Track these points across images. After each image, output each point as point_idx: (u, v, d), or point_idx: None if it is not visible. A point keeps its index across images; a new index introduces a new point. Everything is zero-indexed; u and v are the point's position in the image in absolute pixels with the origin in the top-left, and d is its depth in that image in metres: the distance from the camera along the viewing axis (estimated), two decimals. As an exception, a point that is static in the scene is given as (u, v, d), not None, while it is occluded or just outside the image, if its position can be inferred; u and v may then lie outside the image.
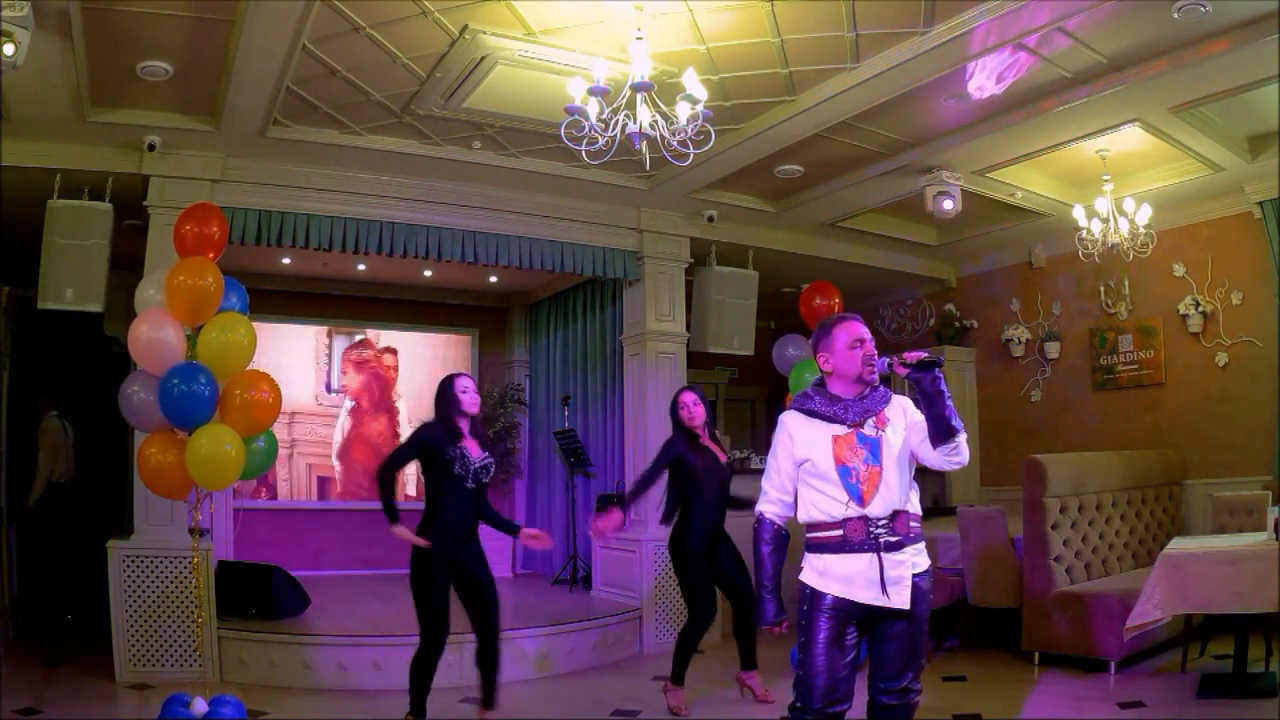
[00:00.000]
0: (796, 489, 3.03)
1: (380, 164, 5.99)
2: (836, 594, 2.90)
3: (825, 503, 2.94)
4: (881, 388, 3.04)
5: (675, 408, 5.09)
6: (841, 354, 3.00)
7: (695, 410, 5.04)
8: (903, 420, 3.00)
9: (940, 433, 2.90)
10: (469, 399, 4.40)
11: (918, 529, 3.00)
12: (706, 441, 5.09)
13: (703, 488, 4.99)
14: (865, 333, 3.02)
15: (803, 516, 3.01)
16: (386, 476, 4.36)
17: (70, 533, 7.21)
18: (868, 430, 2.95)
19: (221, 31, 4.30)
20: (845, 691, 2.91)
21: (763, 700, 5.06)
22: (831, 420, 2.97)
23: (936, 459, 2.95)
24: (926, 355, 2.87)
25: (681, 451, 5.00)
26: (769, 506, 3.06)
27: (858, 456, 2.92)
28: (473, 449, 4.39)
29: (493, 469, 4.47)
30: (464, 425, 4.39)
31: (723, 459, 5.14)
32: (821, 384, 3.08)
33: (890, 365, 2.92)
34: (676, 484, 5.08)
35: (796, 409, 3.06)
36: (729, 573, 5.07)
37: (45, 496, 7.04)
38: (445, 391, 4.44)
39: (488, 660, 4.38)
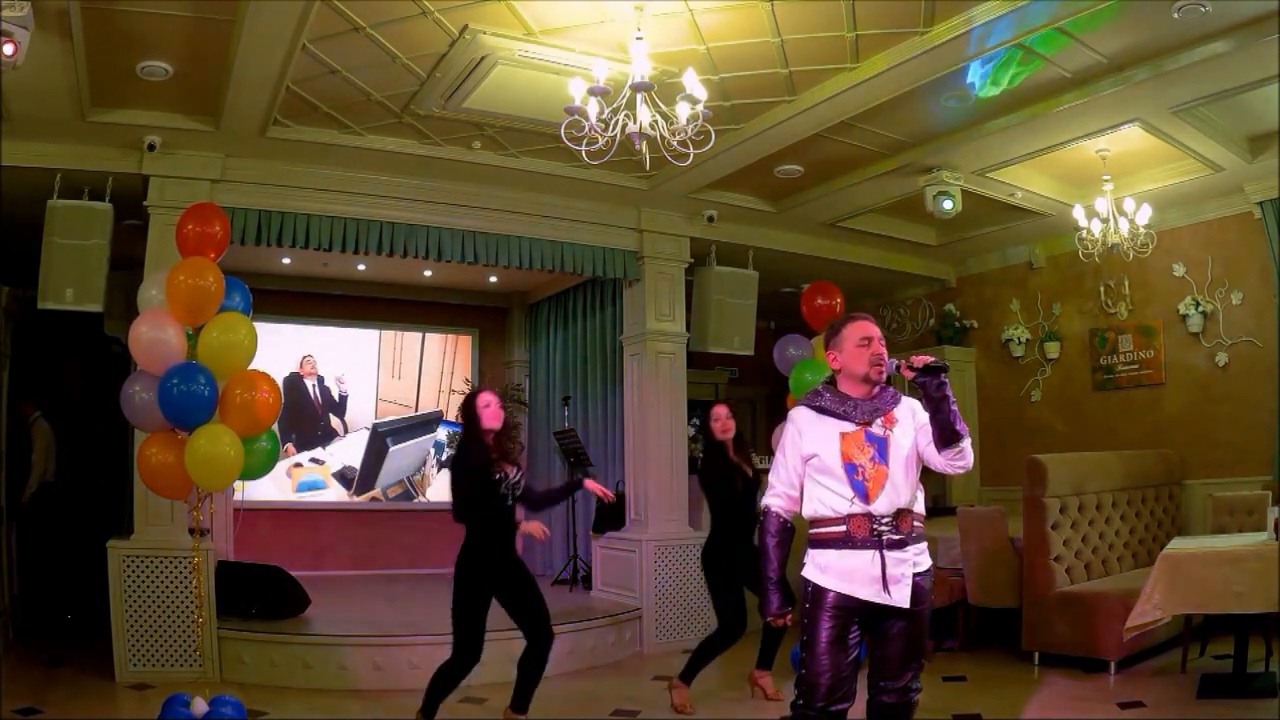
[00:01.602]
0: (803, 484, 3.04)
1: (380, 164, 5.99)
2: (838, 590, 2.92)
3: (830, 498, 2.95)
4: (890, 388, 3.06)
5: (709, 420, 5.17)
6: (849, 352, 3.03)
7: (729, 424, 5.14)
8: (911, 421, 3.02)
9: (944, 437, 2.93)
10: (490, 413, 4.39)
11: (920, 529, 3.02)
12: (735, 456, 5.16)
13: (739, 501, 5.07)
14: (874, 331, 3.04)
15: (807, 511, 3.03)
16: (467, 518, 4.35)
17: (66, 532, 7.22)
18: (876, 429, 2.98)
19: (221, 31, 4.29)
20: (848, 690, 2.93)
21: (772, 699, 5.08)
22: (841, 417, 3.00)
23: (941, 462, 2.99)
24: (933, 360, 2.90)
25: (726, 471, 5.10)
26: (775, 500, 3.08)
27: (864, 454, 2.94)
28: (507, 467, 4.40)
29: (523, 484, 4.49)
30: (489, 440, 4.41)
31: (750, 472, 5.19)
32: (832, 382, 3.11)
33: (898, 367, 2.94)
34: (714, 497, 5.18)
35: (806, 405, 3.08)
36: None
37: (39, 496, 7.05)
38: (468, 408, 4.43)
39: (536, 662, 4.42)
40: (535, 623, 4.39)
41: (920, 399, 3.00)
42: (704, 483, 5.24)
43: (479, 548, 4.31)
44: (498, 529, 4.33)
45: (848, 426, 2.98)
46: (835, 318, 3.19)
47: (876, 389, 3.03)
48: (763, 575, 3.08)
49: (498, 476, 4.31)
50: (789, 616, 3.09)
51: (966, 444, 2.95)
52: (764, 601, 3.08)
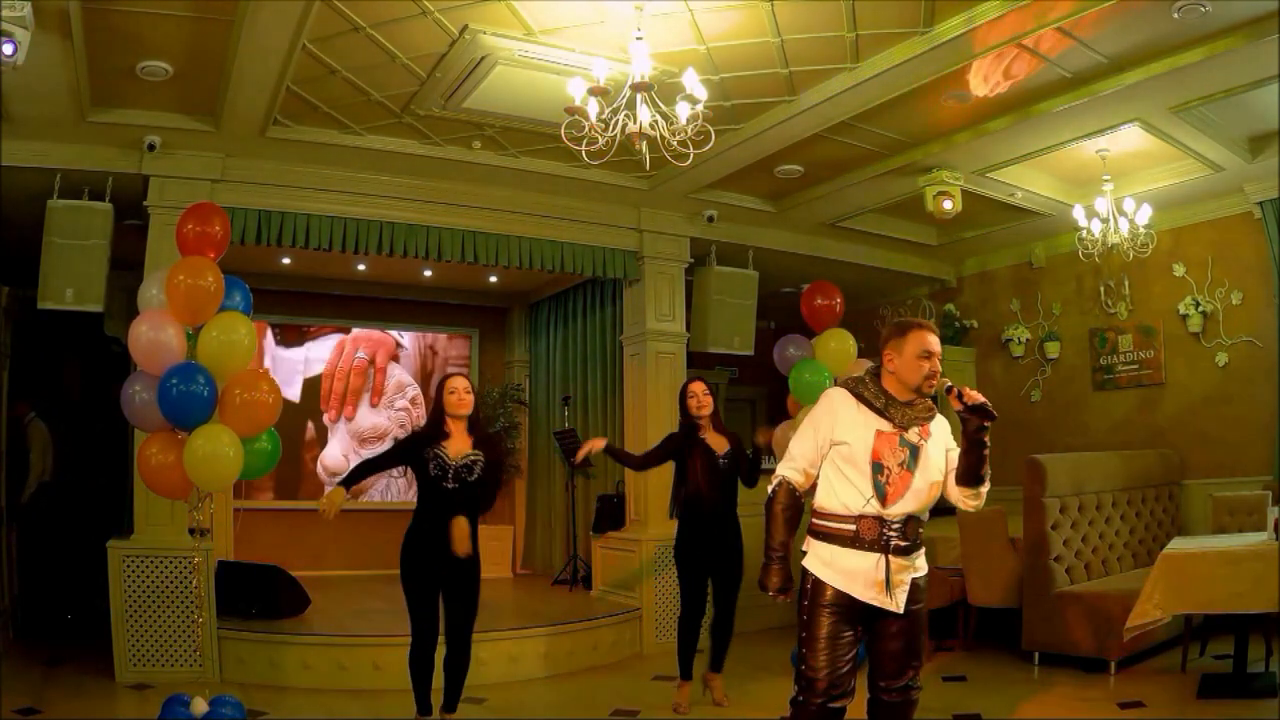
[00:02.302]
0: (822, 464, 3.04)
1: (380, 164, 5.99)
2: (837, 587, 2.92)
3: (848, 491, 2.94)
4: (929, 400, 3.06)
5: (684, 396, 5.10)
6: (908, 360, 3.00)
7: (705, 400, 5.04)
8: (942, 440, 3.04)
9: (967, 477, 2.97)
10: (455, 399, 4.35)
11: (922, 534, 3.02)
12: (708, 434, 5.04)
13: (699, 481, 4.97)
14: (937, 347, 3.02)
15: (820, 498, 3.02)
16: (362, 468, 4.42)
17: (66, 532, 7.22)
18: (911, 436, 2.97)
19: (221, 31, 4.29)
20: (847, 686, 2.93)
21: (718, 704, 5.06)
22: (880, 414, 2.98)
23: (955, 494, 3.02)
24: (986, 404, 2.89)
25: (679, 445, 5.04)
26: (792, 472, 3.04)
27: (895, 458, 2.93)
28: (455, 448, 4.31)
29: (479, 465, 4.30)
30: (454, 426, 4.36)
31: (721, 451, 5.01)
32: (877, 375, 3.08)
33: (950, 389, 2.93)
34: (677, 477, 5.11)
35: (849, 390, 3.05)
36: (724, 569, 5.03)
37: (38, 496, 7.05)
38: (436, 392, 4.47)
39: (453, 666, 4.33)
40: (453, 631, 4.29)
41: (960, 431, 3.01)
42: (662, 451, 5.10)
43: (416, 529, 4.29)
44: (436, 512, 4.24)
45: (885, 425, 2.97)
46: (901, 319, 3.14)
47: (917, 398, 3.03)
48: (767, 545, 3.04)
49: (425, 456, 4.26)
50: (790, 595, 3.04)
51: (984, 489, 2.99)
52: (764, 574, 3.03)
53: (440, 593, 4.29)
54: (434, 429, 4.36)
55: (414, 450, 4.34)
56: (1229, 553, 4.51)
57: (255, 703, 4.85)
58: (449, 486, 4.24)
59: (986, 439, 2.93)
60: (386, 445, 9.02)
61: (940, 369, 3.01)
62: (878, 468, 2.92)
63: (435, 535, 4.21)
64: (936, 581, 5.79)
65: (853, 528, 2.92)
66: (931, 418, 3.04)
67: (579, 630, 6.22)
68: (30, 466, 7.04)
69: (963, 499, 3.03)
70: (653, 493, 6.95)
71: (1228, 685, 4.74)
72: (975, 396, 2.89)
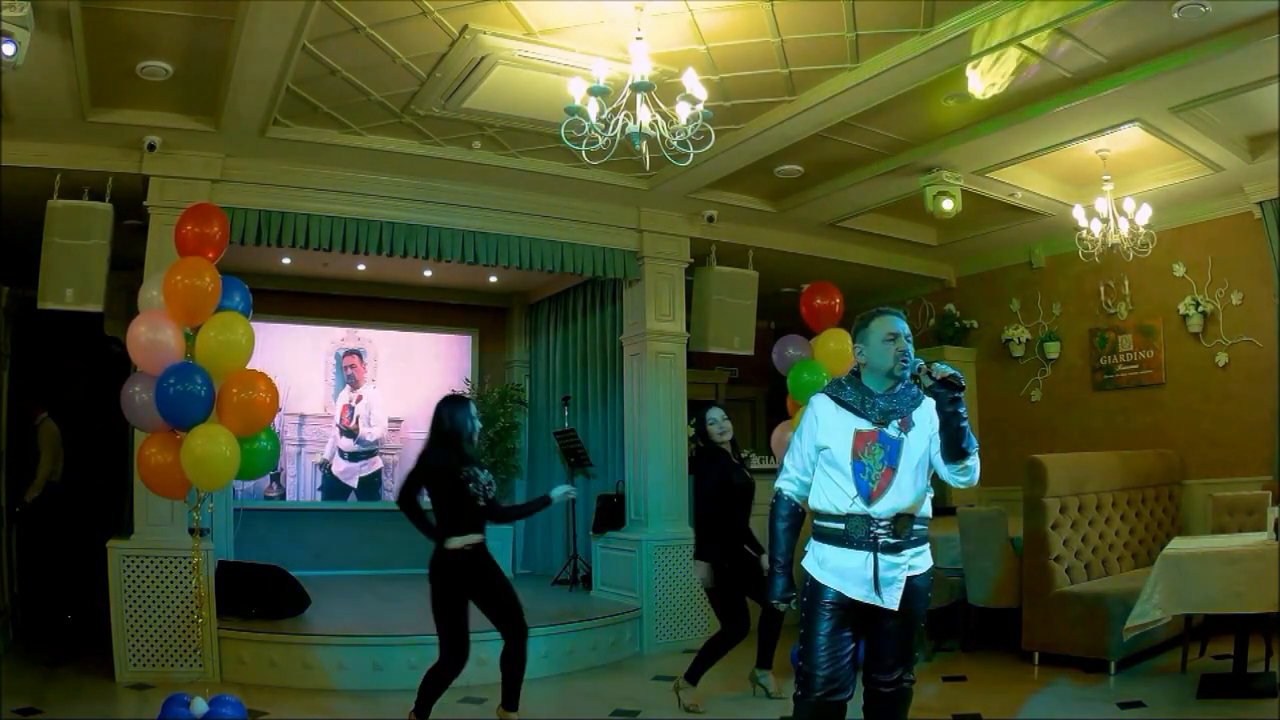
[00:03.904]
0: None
1: (380, 164, 5.99)
2: (832, 586, 2.96)
3: (834, 493, 2.99)
4: (914, 387, 3.05)
5: (707, 423, 5.17)
6: (876, 347, 3.05)
7: (726, 425, 5.19)
8: (928, 425, 3.04)
9: (950, 453, 2.95)
10: (474, 424, 4.48)
11: (922, 531, 3.03)
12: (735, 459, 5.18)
13: (737, 505, 5.09)
14: (902, 328, 3.06)
15: (813, 501, 3.07)
16: (408, 505, 4.42)
17: (66, 532, 7.21)
18: (891, 431, 2.99)
19: (221, 31, 4.30)
20: (845, 681, 2.97)
21: (774, 696, 5.11)
22: (858, 414, 3.02)
23: (946, 473, 3.01)
24: (950, 375, 2.88)
25: (725, 474, 5.09)
26: (788, 485, 3.12)
27: (875, 455, 2.96)
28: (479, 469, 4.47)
29: (494, 484, 4.57)
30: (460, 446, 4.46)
31: (747, 474, 5.22)
32: (856, 375, 3.12)
33: (919, 369, 2.94)
34: (712, 505, 5.10)
35: (828, 395, 3.11)
36: (756, 576, 5.06)
37: (44, 496, 7.05)
38: (451, 412, 4.46)
39: (513, 656, 4.41)
40: (507, 619, 4.39)
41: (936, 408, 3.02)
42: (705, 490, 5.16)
43: (449, 549, 4.34)
44: (469, 529, 4.33)
45: (863, 424, 3.00)
46: (863, 313, 3.17)
47: (899, 386, 3.04)
48: (770, 558, 3.11)
49: (464, 476, 4.35)
50: (792, 600, 3.10)
51: (972, 462, 2.97)
52: (769, 585, 3.10)
53: (471, 605, 4.37)
54: (460, 453, 4.40)
55: (448, 471, 4.37)
56: (1229, 553, 4.51)
57: (255, 703, 4.85)
58: (482, 504, 4.40)
59: (961, 410, 2.93)
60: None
61: (910, 349, 3.03)
62: (859, 467, 2.96)
63: (470, 551, 4.33)
64: (936, 581, 5.78)
65: (842, 527, 2.97)
66: (916, 406, 3.04)
67: (579, 630, 6.22)
68: (40, 467, 7.03)
69: (953, 476, 3.00)
70: (653, 493, 6.96)
71: (1228, 685, 4.74)
72: (942, 371, 2.90)
